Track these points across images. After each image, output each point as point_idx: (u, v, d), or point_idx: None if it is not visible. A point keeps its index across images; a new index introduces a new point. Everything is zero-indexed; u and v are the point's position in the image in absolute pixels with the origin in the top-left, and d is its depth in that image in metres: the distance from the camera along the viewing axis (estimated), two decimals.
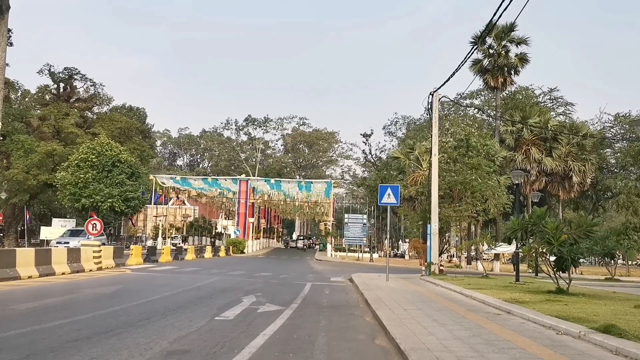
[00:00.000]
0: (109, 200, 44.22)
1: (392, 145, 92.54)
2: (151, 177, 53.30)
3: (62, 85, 56.54)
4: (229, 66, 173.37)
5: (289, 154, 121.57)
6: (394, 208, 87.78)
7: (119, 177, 45.41)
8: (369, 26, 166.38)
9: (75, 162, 45.07)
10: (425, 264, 23.96)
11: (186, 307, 10.60)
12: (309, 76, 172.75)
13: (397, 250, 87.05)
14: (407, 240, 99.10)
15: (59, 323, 8.11)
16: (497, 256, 43.32)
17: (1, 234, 54.55)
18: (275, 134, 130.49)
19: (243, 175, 55.32)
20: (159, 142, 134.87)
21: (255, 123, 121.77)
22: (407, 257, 74.73)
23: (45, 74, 55.29)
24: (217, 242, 62.11)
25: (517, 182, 23.71)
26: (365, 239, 49.15)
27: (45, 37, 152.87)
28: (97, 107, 59.02)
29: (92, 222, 19.81)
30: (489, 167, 38.90)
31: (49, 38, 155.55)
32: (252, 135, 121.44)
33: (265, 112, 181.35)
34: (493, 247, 27.44)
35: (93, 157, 45.04)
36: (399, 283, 18.03)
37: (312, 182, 54.27)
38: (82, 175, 44.05)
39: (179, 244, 48.62)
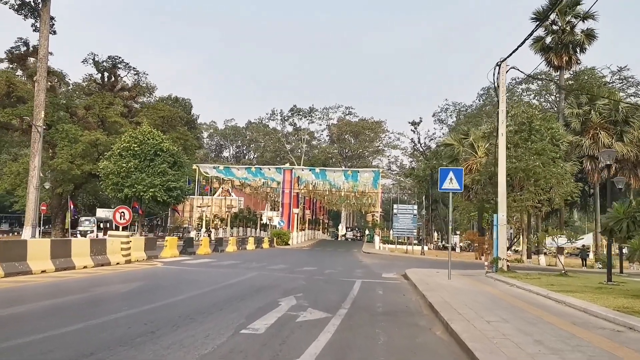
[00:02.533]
0: (151, 189, 43.23)
1: (442, 134, 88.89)
2: (194, 166, 52.11)
3: (106, 74, 56.07)
4: (274, 57, 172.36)
5: (335, 145, 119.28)
6: (445, 198, 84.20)
7: (161, 167, 44.36)
8: (417, 14, 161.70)
9: (118, 151, 44.29)
10: (489, 258, 21.28)
11: (209, 313, 8.51)
12: (356, 65, 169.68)
13: (447, 243, 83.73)
14: (457, 232, 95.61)
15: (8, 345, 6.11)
16: (560, 250, 39.83)
17: (48, 225, 54.82)
18: (320, 124, 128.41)
19: (287, 165, 53.41)
20: (205, 134, 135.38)
21: (301, 113, 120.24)
22: (457, 249, 71.63)
23: (90, 64, 54.89)
24: (262, 234, 60.67)
25: (608, 162, 20.56)
26: (415, 230, 46.40)
27: (94, 35, 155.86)
28: (141, 96, 58.25)
29: (120, 210, 18.17)
30: (554, 152, 35.51)
31: (98, 36, 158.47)
32: (298, 126, 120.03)
33: (310, 102, 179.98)
34: (574, 240, 24.38)
35: (135, 146, 44.13)
36: (463, 281, 15.51)
37: (358, 172, 51.79)
38: (124, 165, 43.20)
39: (208, 234, 47.30)
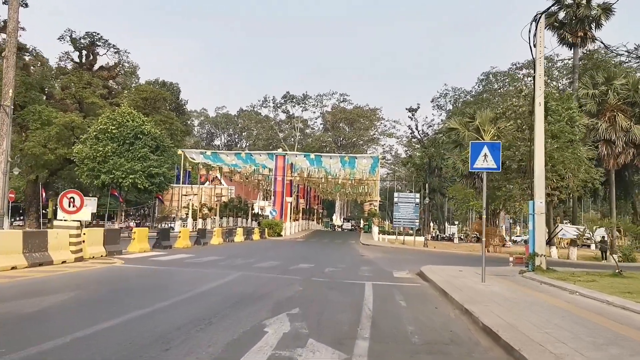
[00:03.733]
0: (131, 176, 39.73)
1: (441, 120, 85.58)
2: (180, 152, 48.48)
3: (84, 53, 52.14)
4: (267, 43, 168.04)
5: (329, 132, 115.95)
6: (442, 188, 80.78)
7: (142, 151, 40.81)
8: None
9: (94, 134, 40.68)
10: (521, 256, 18.11)
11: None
12: (352, 50, 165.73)
13: (443, 233, 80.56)
14: (455, 222, 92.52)
15: None
16: (573, 242, 36.68)
17: (20, 215, 51.08)
18: (314, 112, 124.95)
19: (280, 150, 49.91)
20: (196, 122, 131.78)
21: (294, 100, 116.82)
22: (456, 240, 68.59)
23: (67, 41, 50.97)
24: (254, 224, 57.19)
25: None
26: (417, 221, 43.13)
27: (76, 16, 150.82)
28: (122, 76, 54.31)
29: (69, 195, 14.61)
30: (572, 134, 32.26)
31: (81, 17, 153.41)
32: (291, 113, 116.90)
33: (304, 89, 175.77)
34: (589, 232, 21.05)
35: (113, 128, 40.56)
36: (503, 285, 12.17)
37: (356, 158, 48.43)
38: (100, 149, 39.60)
39: (184, 224, 43.75)
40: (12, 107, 41.32)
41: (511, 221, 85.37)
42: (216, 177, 68.03)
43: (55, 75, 51.11)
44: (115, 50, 52.23)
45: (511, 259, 19.82)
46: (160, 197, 49.08)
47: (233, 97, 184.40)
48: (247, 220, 68.82)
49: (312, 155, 48.03)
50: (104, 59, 51.68)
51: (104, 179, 39.63)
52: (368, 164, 48.01)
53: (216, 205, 58.78)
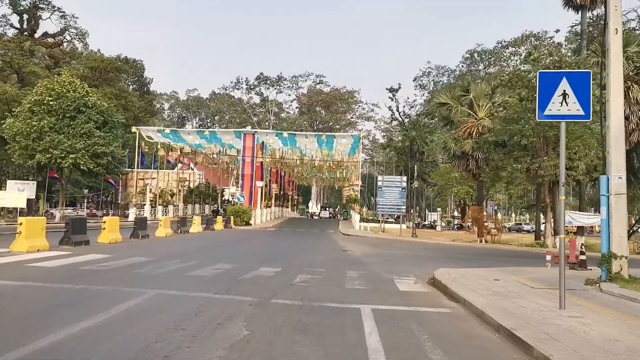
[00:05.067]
0: (72, 155, 33.72)
1: (424, 100, 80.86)
2: (134, 129, 42.48)
3: (25, 17, 45.60)
4: (240, 21, 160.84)
5: (305, 116, 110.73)
6: (423, 174, 75.83)
7: (85, 126, 34.82)
8: None
9: (28, 106, 34.53)
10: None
11: None
12: (330, 28, 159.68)
13: (424, 221, 76.23)
14: (438, 209, 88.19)
15: None
16: (580, 230, 32.12)
17: None
18: (289, 94, 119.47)
19: (248, 128, 44.30)
20: (166, 105, 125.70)
21: (268, 82, 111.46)
22: (438, 228, 64.35)
23: (5, 3, 44.39)
24: (220, 211, 51.62)
25: None
26: (403, 207, 38.23)
27: None
28: (69, 44, 47.77)
29: None
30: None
31: None
32: (265, 96, 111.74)
33: (279, 70, 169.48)
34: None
35: (50, 99, 34.41)
36: (602, 317, 7.10)
37: (334, 137, 43.10)
38: (35, 123, 33.49)
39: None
40: None
41: (495, 208, 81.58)
42: (181, 160, 61.96)
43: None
44: (61, 14, 45.77)
45: (549, 257, 14.84)
46: (111, 180, 43.08)
47: (205, 80, 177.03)
48: (217, 207, 63.28)
49: (285, 134, 42.53)
50: (48, 24, 45.17)
51: (40, 159, 33.61)
52: (348, 144, 42.78)
53: (179, 191, 53.05)
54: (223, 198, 67.26)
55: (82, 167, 34.40)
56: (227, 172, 67.13)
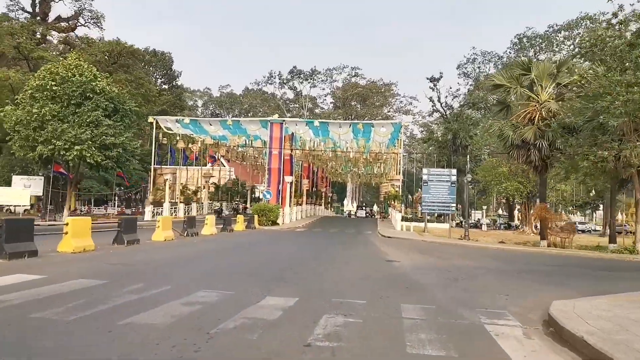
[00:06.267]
0: (77, 147, 29.95)
1: (468, 89, 74.96)
2: (151, 119, 38.61)
3: (37, 0, 42.38)
4: (272, 14, 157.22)
5: (340, 110, 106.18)
6: (465, 167, 70.38)
7: (92, 114, 30.98)
8: None
9: (30, 91, 30.95)
10: None
11: None
12: (365, 18, 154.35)
13: (467, 220, 70.47)
14: (484, 207, 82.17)
15: None
16: None
17: None
18: (323, 89, 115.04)
19: (276, 116, 39.93)
20: (200, 102, 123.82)
21: (302, 76, 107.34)
22: (484, 227, 59.30)
23: None
24: (248, 210, 47.46)
25: None
26: (453, 205, 33.17)
27: None
28: (83, 28, 44.25)
29: None
30: None
31: None
32: (298, 90, 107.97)
33: (312, 64, 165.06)
34: None
35: (54, 84, 30.73)
36: None
37: (372, 125, 38.19)
38: (36, 111, 29.85)
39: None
40: None
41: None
42: (211, 154, 58.01)
43: (5, 30, 41.22)
44: None
45: None
46: (122, 174, 39.39)
47: (237, 75, 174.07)
48: (245, 205, 59.31)
49: (317, 123, 37.84)
50: (61, 7, 41.83)
51: (41, 150, 29.98)
52: (387, 134, 37.83)
53: (204, 188, 49.13)
54: (253, 195, 63.35)
55: (88, 160, 30.64)
56: (257, 167, 63.06)
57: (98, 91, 31.66)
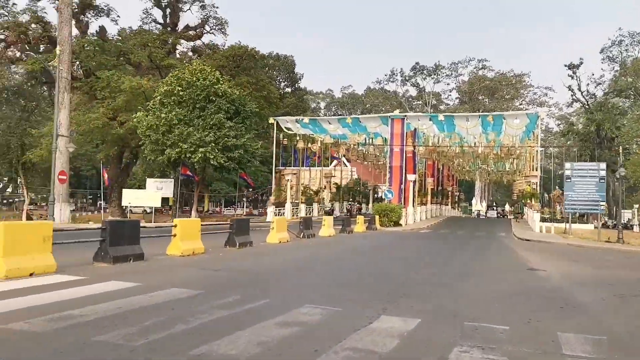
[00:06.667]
0: (201, 149, 30.64)
1: (614, 75, 67.02)
2: (271, 120, 38.76)
3: (168, 11, 44.63)
4: (393, 11, 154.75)
5: (466, 105, 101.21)
6: (613, 165, 63.04)
7: (215, 117, 31.57)
8: None
9: (158, 97, 32.29)
10: None
11: None
12: (489, 6, 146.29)
13: (614, 220, 62.89)
14: (635, 206, 73.21)
15: None
16: None
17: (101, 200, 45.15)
18: (448, 84, 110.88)
19: (397, 112, 38.10)
20: (322, 104, 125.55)
21: (424, 72, 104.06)
22: (636, 228, 52.74)
23: None
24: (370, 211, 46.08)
25: None
26: (603, 203, 29.03)
27: None
28: (209, 35, 45.68)
29: None
30: None
31: None
32: (421, 87, 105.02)
33: (436, 59, 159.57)
34: None
35: (180, 89, 31.77)
36: None
37: (503, 117, 34.88)
38: (163, 116, 31.01)
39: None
40: (69, 71, 34.61)
41: None
42: (334, 155, 57.60)
43: (140, 41, 43.90)
44: (201, 4, 43.88)
45: None
46: (245, 176, 39.86)
47: (360, 75, 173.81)
48: (367, 206, 58.20)
49: (441, 117, 35.35)
50: (188, 16, 43.77)
51: (170, 154, 31.06)
52: (521, 126, 34.27)
53: (325, 188, 48.70)
54: (375, 195, 62.02)
55: (212, 162, 31.23)
56: (378, 167, 61.57)
57: (220, 94, 32.20)
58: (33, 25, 38.56)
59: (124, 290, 7.67)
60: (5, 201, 60.54)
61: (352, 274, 11.04)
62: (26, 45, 39.25)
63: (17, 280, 7.82)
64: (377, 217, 31.17)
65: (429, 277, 10.83)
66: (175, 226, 12.03)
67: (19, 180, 47.20)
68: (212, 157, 30.83)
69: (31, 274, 8.19)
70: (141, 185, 42.92)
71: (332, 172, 51.55)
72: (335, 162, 61.33)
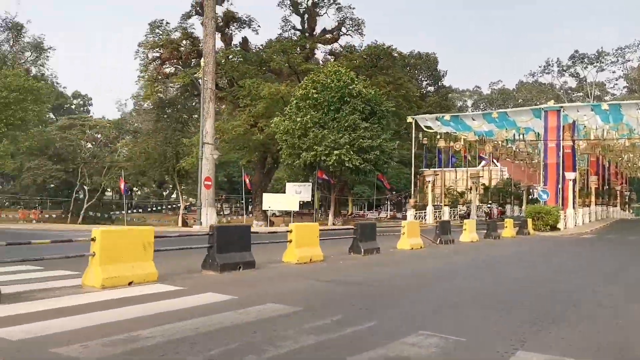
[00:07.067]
0: (336, 151, 30.13)
1: None
2: (409, 119, 37.05)
3: (306, 17, 45.13)
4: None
5: (635, 94, 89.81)
6: None
7: (350, 118, 30.89)
8: None
9: (294, 102, 32.51)
10: None
11: None
12: None
13: None
14: None
15: None
16: None
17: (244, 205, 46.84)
18: (614, 72, 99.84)
19: (551, 103, 33.97)
20: (469, 102, 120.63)
21: (585, 60, 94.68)
22: None
23: (287, 5, 44.67)
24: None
25: None
26: None
27: None
28: (346, 37, 45.15)
29: None
30: None
31: None
32: (582, 77, 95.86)
33: (598, 45, 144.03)
34: None
35: (315, 92, 31.62)
36: None
37: None
38: (299, 119, 31.07)
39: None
40: (214, 82, 36.33)
41: None
42: (482, 155, 54.00)
43: (279, 48, 44.94)
44: (337, 6, 43.65)
45: None
46: (382, 178, 38.47)
47: (510, 69, 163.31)
48: (520, 208, 53.62)
49: (605, 106, 30.73)
50: (325, 20, 43.85)
51: (305, 157, 30.98)
52: None
53: (471, 189, 45.53)
54: (530, 196, 56.95)
55: (347, 164, 30.50)
56: (532, 165, 56.50)
57: (355, 94, 31.41)
58: (184, 42, 41.30)
59: (215, 304, 6.85)
60: (170, 207, 66.09)
61: (488, 288, 9.21)
62: (179, 61, 42.13)
63: (112, 290, 7.40)
64: (529, 220, 27.97)
65: (588, 296, 8.63)
66: (290, 231, 11.18)
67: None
68: (347, 159, 30.12)
69: (130, 283, 7.77)
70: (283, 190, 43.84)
71: (479, 172, 48.18)
72: (483, 162, 57.49)
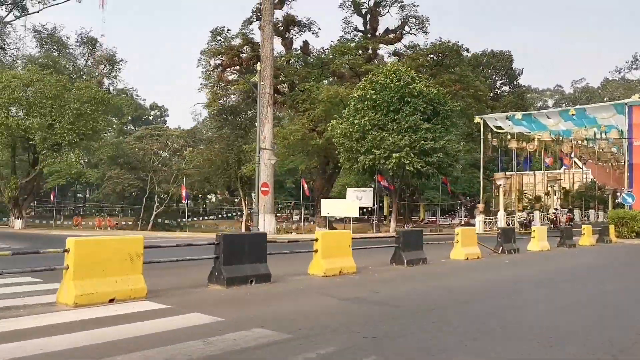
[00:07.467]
0: (395, 154, 28.61)
1: None
2: (477, 119, 34.73)
3: (368, 17, 43.86)
4: None
5: None
6: None
7: (410, 119, 29.28)
8: None
9: (352, 103, 31.35)
10: None
11: None
12: None
13: None
14: None
15: None
16: None
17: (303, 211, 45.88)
18: None
19: (636, 96, 30.49)
20: (550, 102, 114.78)
21: None
22: None
23: (348, 6, 43.63)
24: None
25: None
26: None
27: None
28: (409, 34, 43.25)
29: None
30: None
31: None
32: None
33: None
34: None
35: (373, 92, 30.30)
36: None
37: None
38: (356, 122, 29.84)
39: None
40: (272, 86, 35.77)
41: None
42: (562, 157, 50.13)
43: (339, 50, 43.83)
44: (400, 4, 42.04)
45: None
46: (447, 182, 36.21)
47: (594, 66, 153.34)
48: (604, 213, 49.25)
49: None
50: (387, 19, 42.43)
51: (363, 161, 29.64)
52: None
53: (549, 193, 42.23)
54: (616, 200, 52.33)
55: (407, 168, 28.83)
56: (619, 167, 51.87)
57: (415, 94, 29.74)
58: (244, 48, 41.20)
59: (189, 329, 5.75)
60: (240, 213, 66.64)
61: (546, 311, 7.51)
62: (240, 67, 42.09)
63: (87, 309, 6.50)
64: (611, 226, 25.08)
65: None
66: (316, 240, 9.96)
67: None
68: (407, 162, 28.47)
69: (111, 300, 6.84)
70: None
71: (557, 175, 44.64)
72: (564, 167, 53.47)
